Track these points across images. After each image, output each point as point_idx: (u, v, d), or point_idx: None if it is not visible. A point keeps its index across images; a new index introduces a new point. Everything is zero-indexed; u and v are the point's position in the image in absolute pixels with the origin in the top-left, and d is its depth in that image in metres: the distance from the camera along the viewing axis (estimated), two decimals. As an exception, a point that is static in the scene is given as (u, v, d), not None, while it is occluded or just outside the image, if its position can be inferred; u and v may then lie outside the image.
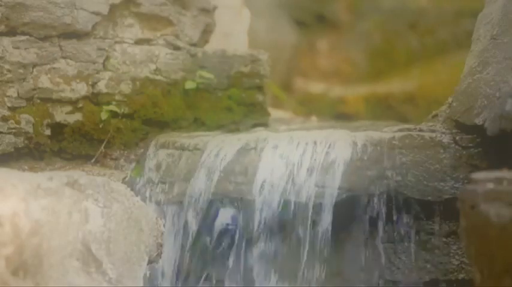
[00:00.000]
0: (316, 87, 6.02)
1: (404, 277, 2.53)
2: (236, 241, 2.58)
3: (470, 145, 2.56)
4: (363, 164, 2.54)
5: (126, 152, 2.89)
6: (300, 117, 4.06)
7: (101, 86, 2.87)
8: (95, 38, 2.87)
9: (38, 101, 2.78)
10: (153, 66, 2.96)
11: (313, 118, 3.99)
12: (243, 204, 2.57)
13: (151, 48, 2.97)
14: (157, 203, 2.66)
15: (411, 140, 2.56)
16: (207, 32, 3.14)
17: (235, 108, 3.08)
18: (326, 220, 2.50)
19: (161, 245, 2.37)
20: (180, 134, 2.90)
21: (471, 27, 2.82)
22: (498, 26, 2.58)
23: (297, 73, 6.24)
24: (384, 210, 2.53)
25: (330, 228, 2.50)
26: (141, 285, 2.22)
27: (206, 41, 3.17)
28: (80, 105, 2.84)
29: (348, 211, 2.53)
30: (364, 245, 2.54)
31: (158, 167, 2.72)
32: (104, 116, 2.86)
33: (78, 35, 2.83)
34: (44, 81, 2.78)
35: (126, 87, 2.91)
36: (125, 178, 2.73)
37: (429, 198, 2.53)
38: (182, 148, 2.72)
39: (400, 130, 2.63)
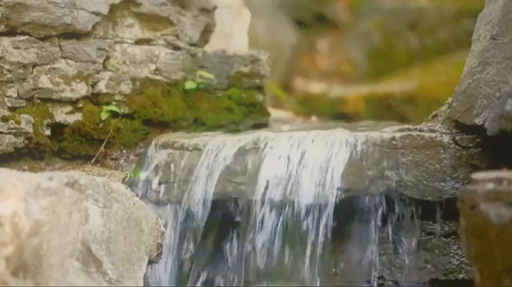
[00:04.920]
0: (316, 87, 6.03)
1: (404, 277, 2.53)
2: (237, 241, 2.58)
3: (470, 145, 2.56)
4: (362, 164, 2.54)
5: (126, 152, 2.89)
6: (300, 117, 4.06)
7: (101, 86, 2.87)
8: (95, 38, 2.87)
9: (38, 101, 2.78)
10: (153, 66, 2.96)
11: (313, 118, 4.00)
12: (243, 204, 2.57)
13: (151, 48, 2.97)
14: (158, 203, 2.66)
15: (411, 140, 2.56)
16: (207, 32, 3.14)
17: (235, 108, 3.08)
18: (326, 220, 2.50)
19: (161, 245, 2.37)
20: (180, 134, 2.90)
21: (471, 27, 2.82)
22: (498, 26, 2.58)
23: (297, 73, 6.24)
24: (383, 210, 2.53)
25: (330, 228, 2.50)
26: (141, 285, 2.23)
27: (206, 41, 3.17)
28: (80, 105, 2.84)
29: (348, 211, 2.53)
30: (364, 245, 2.54)
31: (158, 167, 2.72)
32: (104, 116, 2.86)
33: (78, 35, 2.83)
34: (44, 81, 2.78)
35: (126, 87, 2.91)
36: (124, 178, 2.72)
37: (429, 198, 2.53)
38: (182, 148, 2.72)
39: (400, 130, 2.63)
